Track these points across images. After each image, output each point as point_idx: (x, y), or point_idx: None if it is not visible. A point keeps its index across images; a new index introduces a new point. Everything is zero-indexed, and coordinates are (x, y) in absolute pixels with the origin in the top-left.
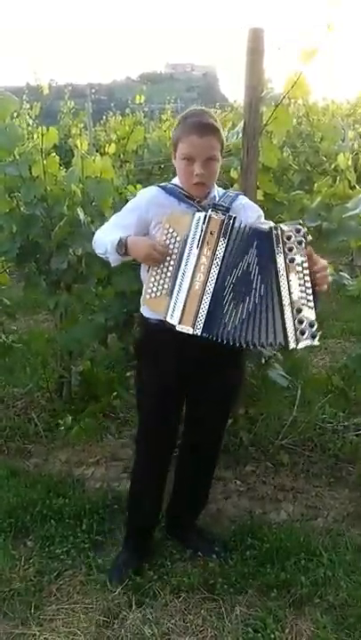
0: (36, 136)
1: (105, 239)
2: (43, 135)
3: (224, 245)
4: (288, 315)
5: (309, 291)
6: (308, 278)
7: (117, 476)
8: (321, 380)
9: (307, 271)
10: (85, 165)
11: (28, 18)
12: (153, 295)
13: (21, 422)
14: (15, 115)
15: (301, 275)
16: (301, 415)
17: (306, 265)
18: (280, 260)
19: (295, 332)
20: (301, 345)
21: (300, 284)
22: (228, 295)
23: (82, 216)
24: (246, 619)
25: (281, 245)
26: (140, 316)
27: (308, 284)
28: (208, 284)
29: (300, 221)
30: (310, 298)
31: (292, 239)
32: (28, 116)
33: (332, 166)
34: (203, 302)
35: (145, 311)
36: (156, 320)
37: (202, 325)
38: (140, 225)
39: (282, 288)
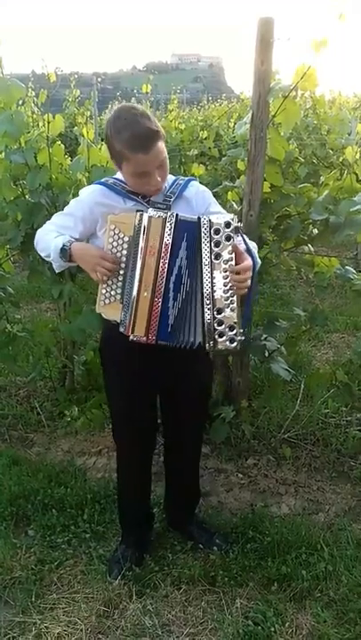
0: (41, 124)
1: (48, 242)
2: (48, 123)
3: (169, 245)
4: (208, 314)
5: (233, 292)
6: (230, 277)
7: None
8: (325, 375)
9: (229, 271)
10: (91, 154)
11: (38, 14)
12: (107, 302)
13: (24, 411)
14: (21, 102)
15: (227, 273)
16: (304, 409)
17: (233, 263)
18: (205, 254)
19: (213, 333)
20: (218, 347)
21: (224, 284)
22: (171, 296)
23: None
24: (247, 611)
25: (208, 239)
26: (100, 317)
27: (232, 284)
28: (157, 289)
29: (233, 215)
30: (233, 299)
31: (221, 233)
32: (33, 104)
33: (340, 159)
34: (154, 308)
35: (104, 315)
36: (116, 321)
37: (156, 332)
38: (86, 225)
39: (204, 285)
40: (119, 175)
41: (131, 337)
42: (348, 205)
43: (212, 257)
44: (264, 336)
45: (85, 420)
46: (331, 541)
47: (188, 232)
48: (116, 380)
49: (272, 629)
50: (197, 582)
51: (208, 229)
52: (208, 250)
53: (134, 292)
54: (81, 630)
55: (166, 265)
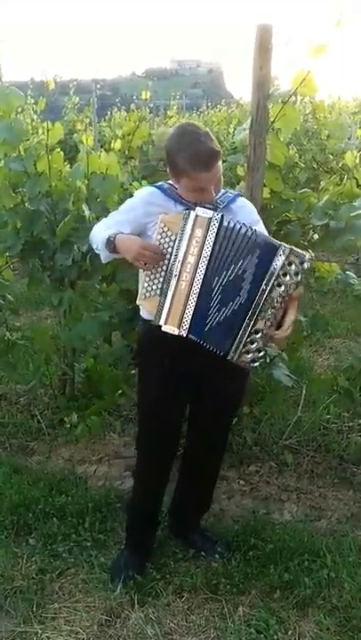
0: (40, 131)
1: (98, 235)
2: (48, 130)
3: (211, 244)
4: (245, 329)
5: (275, 320)
6: (282, 307)
7: (120, 474)
8: (326, 380)
9: (282, 303)
10: (91, 161)
11: (37, 15)
12: (148, 295)
13: (24, 419)
14: (20, 110)
15: (278, 303)
16: (306, 415)
17: (286, 298)
18: (272, 276)
19: (242, 347)
20: (238, 361)
21: (271, 311)
22: (216, 296)
23: (87, 212)
24: (249, 619)
25: (279, 265)
26: (140, 317)
27: (280, 313)
28: (195, 283)
29: (311, 255)
30: (272, 328)
31: (293, 267)
32: (32, 112)
33: (339, 164)
34: (189, 302)
35: (143, 312)
36: (154, 322)
37: (188, 326)
38: (136, 223)
39: (255, 303)
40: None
41: (163, 327)
42: (349, 210)
43: (276, 283)
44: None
45: (85, 428)
46: (333, 548)
47: (263, 252)
48: (149, 379)
49: (275, 637)
50: (199, 590)
51: (286, 257)
52: (275, 275)
53: (173, 286)
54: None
55: (205, 263)
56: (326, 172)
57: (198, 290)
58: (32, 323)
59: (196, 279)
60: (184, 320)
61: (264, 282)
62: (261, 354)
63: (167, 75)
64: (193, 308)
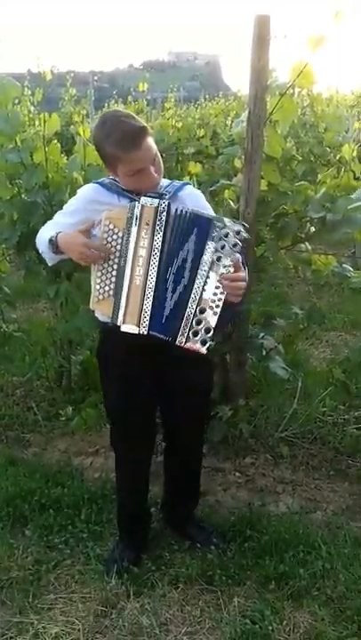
0: (37, 123)
1: (43, 238)
2: (44, 122)
3: (161, 234)
4: (190, 310)
5: (222, 297)
6: (226, 282)
7: None
8: (322, 373)
9: (226, 278)
10: (87, 153)
11: (35, 14)
12: (100, 297)
13: (20, 411)
14: (17, 101)
15: (220, 278)
16: (302, 408)
17: (230, 270)
18: (208, 253)
19: (188, 329)
20: (188, 345)
21: (216, 287)
22: (169, 286)
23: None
24: (244, 610)
25: (215, 238)
26: (96, 319)
27: (224, 289)
28: (149, 277)
29: (245, 224)
30: (219, 304)
31: (229, 237)
32: (29, 103)
33: (337, 157)
34: (145, 298)
35: (98, 315)
36: (113, 323)
37: (147, 323)
38: (80, 222)
39: (197, 281)
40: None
41: (122, 328)
42: (346, 203)
43: (214, 258)
44: (261, 334)
45: (80, 420)
46: (328, 540)
47: (198, 228)
48: (113, 383)
49: (270, 628)
50: (195, 581)
51: (219, 230)
52: (212, 249)
53: (126, 282)
54: (78, 630)
55: (158, 255)
56: (324, 165)
57: (153, 284)
58: (28, 315)
59: (150, 273)
60: (143, 317)
61: (203, 258)
62: (210, 334)
63: (165, 67)
64: (150, 303)
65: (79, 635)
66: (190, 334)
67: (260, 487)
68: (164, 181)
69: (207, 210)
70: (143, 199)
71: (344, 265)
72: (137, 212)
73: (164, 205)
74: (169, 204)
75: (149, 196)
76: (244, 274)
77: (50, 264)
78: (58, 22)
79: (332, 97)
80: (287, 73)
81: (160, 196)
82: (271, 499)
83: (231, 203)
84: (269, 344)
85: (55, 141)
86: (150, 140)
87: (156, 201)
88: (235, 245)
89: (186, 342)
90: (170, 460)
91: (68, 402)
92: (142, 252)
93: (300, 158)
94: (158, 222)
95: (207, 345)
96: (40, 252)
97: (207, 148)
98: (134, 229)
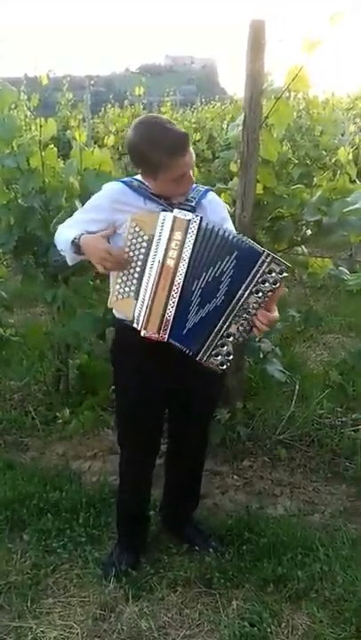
0: (34, 127)
1: (64, 236)
2: (41, 127)
3: (190, 247)
4: (218, 332)
5: (248, 328)
6: (256, 314)
7: (114, 469)
8: (319, 376)
9: (257, 310)
10: (84, 157)
11: (32, 15)
12: (120, 297)
13: (18, 415)
14: (13, 106)
15: (253, 309)
16: (299, 410)
17: (264, 304)
18: (252, 283)
19: (212, 349)
20: (207, 363)
21: (246, 317)
22: (195, 299)
23: (80, 208)
24: (243, 613)
25: (260, 272)
26: (113, 317)
27: (253, 320)
28: (174, 287)
29: (287, 264)
30: (245, 335)
31: (273, 275)
32: (26, 108)
33: (333, 160)
34: (168, 307)
35: (117, 313)
36: (130, 321)
37: (168, 331)
38: (102, 220)
39: (232, 308)
40: (140, 177)
41: (143, 333)
42: (341, 206)
43: (254, 289)
44: (259, 337)
45: (78, 423)
46: (326, 542)
47: (244, 255)
48: (126, 378)
49: (268, 630)
50: (193, 584)
51: (266, 265)
52: (255, 281)
53: (151, 289)
54: (77, 634)
55: (185, 266)
56: (320, 169)
57: (178, 294)
58: (26, 319)
59: (175, 283)
60: (164, 325)
61: (243, 287)
62: (230, 357)
63: (161, 71)
64: (173, 312)
65: (78, 638)
66: (212, 353)
67: (258, 490)
68: None
69: (227, 221)
70: (177, 211)
71: (340, 268)
72: (170, 221)
73: (195, 220)
74: (201, 218)
75: (183, 208)
76: (277, 314)
77: (70, 263)
78: (56, 23)
79: (328, 100)
80: (283, 76)
81: (193, 210)
82: (269, 501)
83: (228, 206)
84: (267, 347)
85: (52, 146)
86: (190, 149)
87: (190, 215)
88: (275, 283)
89: (206, 360)
90: (173, 464)
91: (65, 405)
92: (170, 263)
93: (297, 161)
94: (189, 235)
95: (224, 366)
96: (59, 249)
97: (203, 152)
98: (164, 238)
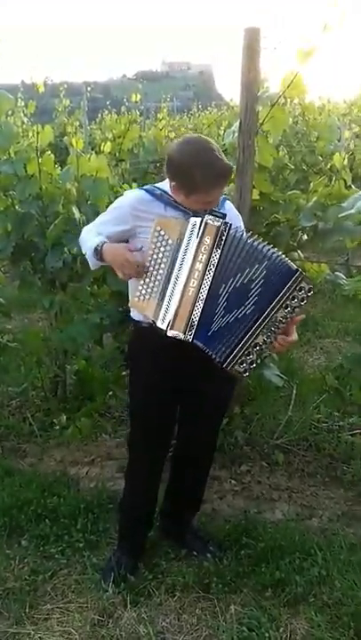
0: (31, 134)
1: (87, 241)
2: (38, 133)
3: (219, 252)
4: (245, 341)
5: (272, 338)
6: (281, 328)
7: (112, 475)
8: (316, 380)
9: (284, 324)
10: (81, 164)
11: (25, 15)
12: (142, 298)
13: (16, 422)
14: (10, 113)
15: (280, 322)
16: (296, 415)
17: (287, 320)
18: (281, 299)
19: (237, 357)
20: (232, 369)
21: (273, 329)
22: (222, 303)
23: (77, 215)
24: (241, 618)
25: (292, 289)
26: (130, 319)
27: (278, 333)
28: (201, 290)
29: (314, 285)
30: (268, 345)
31: (302, 292)
32: (23, 114)
33: (328, 166)
34: (195, 309)
35: (134, 314)
36: (147, 323)
37: (193, 332)
38: (122, 226)
39: (263, 319)
40: (164, 185)
41: (169, 332)
42: (337, 211)
43: (282, 305)
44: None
45: (75, 429)
46: (324, 546)
47: (276, 270)
48: (140, 380)
49: (266, 635)
50: (191, 589)
51: (298, 282)
52: (285, 297)
53: (179, 291)
54: None
55: (213, 271)
56: (316, 174)
57: (205, 296)
58: (23, 325)
59: (203, 286)
60: (190, 326)
61: (275, 301)
62: (254, 366)
63: (158, 77)
64: (199, 314)
65: None
66: (239, 361)
67: (256, 494)
68: None
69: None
70: (208, 217)
71: (337, 272)
72: (201, 226)
73: (225, 226)
74: (230, 224)
75: (214, 215)
76: (295, 336)
77: (92, 268)
78: (54, 23)
79: (323, 106)
80: (279, 83)
81: (223, 216)
82: (267, 506)
83: None
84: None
85: (49, 152)
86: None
87: (220, 221)
88: (303, 300)
89: (232, 367)
90: (179, 469)
91: (63, 411)
92: (199, 267)
93: (293, 167)
94: (218, 241)
95: (246, 374)
96: (83, 253)
97: None
98: (194, 243)
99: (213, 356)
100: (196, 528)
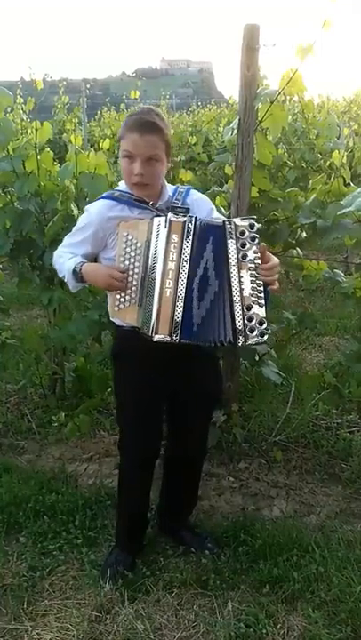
0: (29, 131)
1: (62, 264)
2: (37, 130)
3: (189, 247)
4: (238, 311)
5: (261, 288)
6: (260, 275)
7: (110, 472)
8: (315, 378)
9: (258, 269)
10: (80, 161)
11: (25, 9)
12: (121, 307)
13: (14, 418)
14: (9, 109)
15: (253, 271)
16: (295, 412)
17: (258, 262)
18: (232, 255)
19: (244, 329)
20: (250, 342)
21: (251, 281)
22: (194, 295)
23: (75, 212)
24: (238, 614)
25: (234, 240)
26: (112, 324)
27: (260, 282)
28: (179, 289)
29: (254, 217)
30: (261, 295)
31: (246, 234)
32: (21, 111)
33: (327, 163)
34: (176, 308)
35: (116, 320)
36: (130, 327)
37: (179, 332)
38: (97, 241)
39: (233, 284)
40: (122, 186)
41: (155, 338)
42: (336, 209)
43: (240, 257)
44: (270, 331)
45: (73, 426)
46: (322, 543)
47: (214, 235)
48: (127, 384)
49: (264, 631)
50: (189, 586)
51: (234, 231)
52: (235, 251)
53: (157, 294)
54: (73, 636)
55: (187, 267)
56: (315, 171)
57: (183, 295)
58: (22, 322)
59: (179, 285)
60: (175, 327)
61: (229, 261)
62: (264, 325)
63: (157, 74)
64: (181, 313)
65: None
66: (248, 332)
67: (254, 491)
68: (169, 187)
69: (214, 212)
70: (170, 215)
71: (336, 270)
72: (166, 225)
73: (190, 221)
74: (195, 217)
75: (177, 212)
76: (274, 259)
77: (73, 291)
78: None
79: (323, 103)
80: (278, 80)
81: (187, 211)
82: (265, 503)
83: (223, 209)
84: (262, 349)
85: (47, 149)
86: (157, 141)
87: (184, 216)
88: (253, 239)
89: (247, 341)
90: (172, 469)
91: (61, 408)
92: (171, 266)
93: (292, 164)
94: (186, 236)
95: (265, 336)
96: (61, 277)
97: (199, 155)
98: (162, 243)
99: (216, 344)
100: (194, 524)
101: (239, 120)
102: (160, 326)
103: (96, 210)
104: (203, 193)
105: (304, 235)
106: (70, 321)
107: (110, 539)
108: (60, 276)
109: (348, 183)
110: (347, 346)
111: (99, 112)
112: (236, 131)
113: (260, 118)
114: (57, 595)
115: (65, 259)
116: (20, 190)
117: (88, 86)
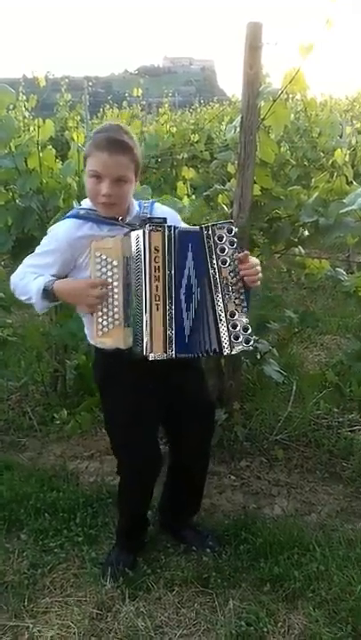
0: (32, 128)
1: (27, 285)
2: (39, 128)
3: (172, 258)
4: (222, 319)
5: (242, 291)
6: (240, 280)
7: (112, 470)
8: (316, 376)
9: (239, 274)
10: (81, 158)
11: (28, 7)
12: (105, 330)
13: (16, 416)
14: (11, 107)
15: (233, 277)
16: (296, 411)
17: (238, 266)
18: (212, 261)
19: (229, 337)
20: (236, 351)
21: (232, 287)
22: (182, 306)
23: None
24: (239, 612)
25: (213, 246)
26: (91, 346)
27: (241, 286)
28: (167, 303)
29: (232, 220)
30: (243, 299)
31: (224, 239)
32: (24, 109)
33: (330, 162)
34: (168, 324)
35: (98, 344)
36: (113, 349)
37: (174, 346)
38: (65, 263)
39: (214, 291)
40: (87, 203)
41: (151, 356)
42: (338, 207)
43: (219, 263)
44: (256, 338)
45: (75, 424)
46: (323, 542)
47: (193, 242)
48: (118, 404)
49: (265, 630)
50: (190, 584)
51: (212, 237)
52: (215, 257)
53: (146, 311)
54: (74, 633)
55: (173, 278)
56: (318, 170)
57: (173, 308)
58: (23, 320)
59: (167, 298)
60: (169, 342)
61: (209, 268)
62: (249, 331)
63: (160, 72)
64: (173, 326)
65: (75, 638)
66: (233, 339)
67: (256, 490)
68: (134, 202)
69: (182, 224)
70: (147, 226)
71: (338, 269)
72: (145, 238)
73: (169, 229)
74: (173, 227)
75: (153, 222)
76: (254, 259)
77: (40, 312)
78: (55, 2)
79: (326, 102)
80: (281, 78)
81: (164, 220)
82: (266, 501)
83: (225, 207)
84: (264, 347)
85: (50, 147)
86: (126, 161)
87: (162, 226)
88: (232, 244)
89: (232, 349)
90: (175, 471)
91: (63, 406)
92: (157, 279)
93: (294, 163)
94: (168, 247)
95: (251, 342)
96: (24, 299)
97: (202, 153)
98: (143, 257)
99: (204, 355)
100: (195, 523)
101: (242, 118)
102: (154, 344)
103: (63, 230)
104: (205, 191)
105: (306, 233)
106: (72, 318)
107: (111, 537)
108: (23, 298)
109: (351, 181)
110: (348, 345)
111: (101, 110)
112: (238, 129)
113: (262, 116)
114: (58, 592)
115: (29, 279)
116: (22, 188)
117: (90, 84)
